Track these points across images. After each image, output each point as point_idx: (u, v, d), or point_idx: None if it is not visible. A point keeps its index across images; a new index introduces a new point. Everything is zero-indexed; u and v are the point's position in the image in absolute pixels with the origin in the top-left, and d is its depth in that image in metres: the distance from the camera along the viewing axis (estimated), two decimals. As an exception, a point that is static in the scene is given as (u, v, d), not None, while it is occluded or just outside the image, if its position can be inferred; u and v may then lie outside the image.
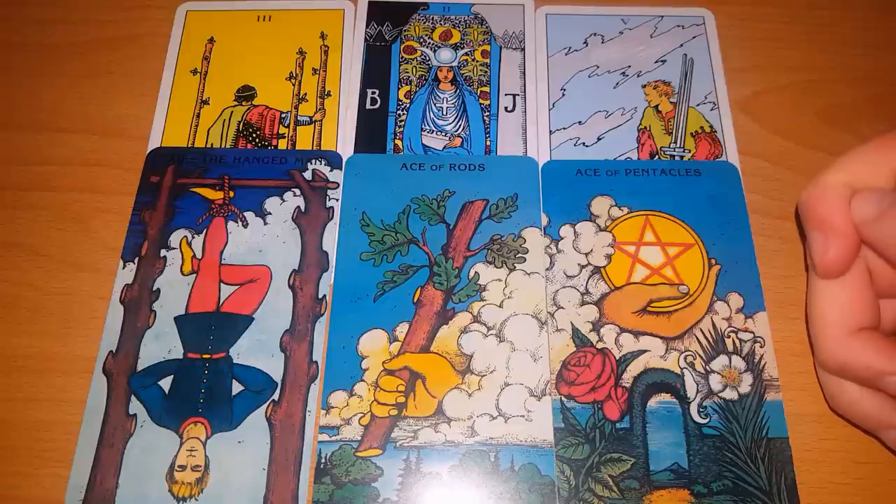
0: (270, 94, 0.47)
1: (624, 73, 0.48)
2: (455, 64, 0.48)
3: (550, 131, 0.45)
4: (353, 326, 0.39)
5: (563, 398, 0.37)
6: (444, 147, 0.45)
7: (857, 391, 0.34)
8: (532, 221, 0.42)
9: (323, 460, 0.36)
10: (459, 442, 0.37)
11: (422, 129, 0.46)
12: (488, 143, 0.45)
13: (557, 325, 0.39)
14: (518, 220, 0.42)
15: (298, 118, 0.46)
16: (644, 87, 0.47)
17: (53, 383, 0.38)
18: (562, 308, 0.40)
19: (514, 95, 0.47)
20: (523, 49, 0.48)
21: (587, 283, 0.40)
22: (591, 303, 0.40)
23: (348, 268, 0.41)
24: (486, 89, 0.47)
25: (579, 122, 0.46)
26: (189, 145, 0.45)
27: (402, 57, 0.48)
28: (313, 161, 0.44)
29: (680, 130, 0.45)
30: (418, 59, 0.48)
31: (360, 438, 0.37)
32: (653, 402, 0.37)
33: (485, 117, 0.46)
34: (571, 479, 0.36)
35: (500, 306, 0.40)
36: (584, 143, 0.45)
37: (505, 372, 0.38)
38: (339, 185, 0.43)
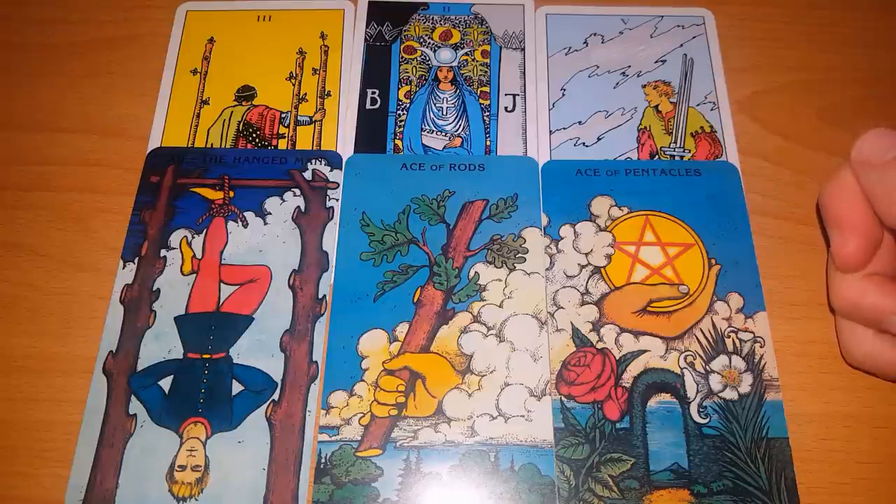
0: (270, 94, 0.47)
1: (624, 73, 0.48)
2: (455, 64, 0.48)
3: (550, 131, 0.45)
4: (353, 326, 0.39)
5: (562, 398, 0.37)
6: (444, 147, 0.45)
7: (870, 342, 0.36)
8: (532, 221, 0.42)
9: (323, 460, 0.36)
10: (459, 442, 0.37)
11: (422, 129, 0.46)
12: (488, 143, 0.45)
13: (557, 325, 0.39)
14: (518, 220, 0.42)
15: (298, 118, 0.46)
16: (644, 87, 0.47)
17: (53, 383, 0.38)
18: (562, 308, 0.40)
19: (514, 95, 0.47)
20: (523, 49, 0.48)
21: (587, 283, 0.40)
22: (591, 303, 0.40)
23: (348, 268, 0.41)
24: (486, 89, 0.47)
25: (579, 122, 0.46)
26: (189, 145, 0.45)
27: (402, 57, 0.48)
28: (313, 161, 0.44)
29: (680, 130, 0.45)
30: (418, 59, 0.48)
31: (360, 438, 0.37)
32: (653, 402, 0.37)
33: (485, 117, 0.46)
34: (571, 479, 0.36)
35: (500, 306, 0.40)
36: (584, 143, 0.45)
37: (505, 372, 0.38)
38: (339, 185, 0.43)
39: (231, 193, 0.43)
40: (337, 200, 0.43)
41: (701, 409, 0.37)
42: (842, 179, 0.35)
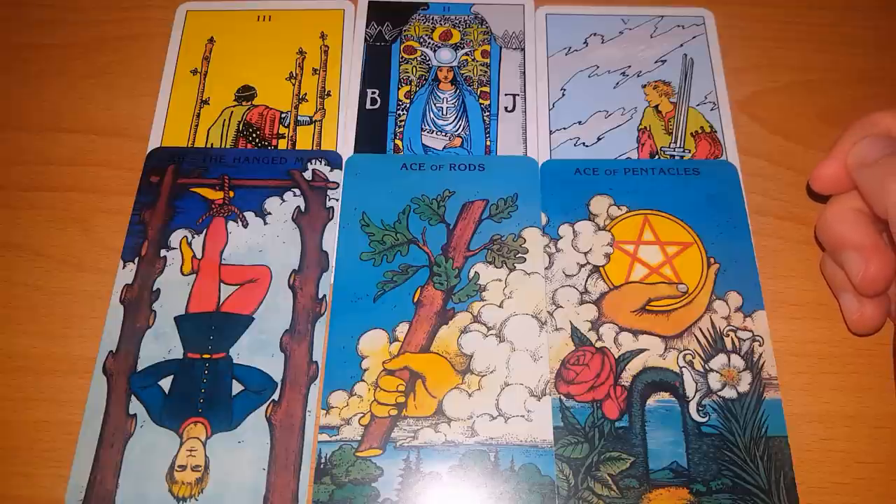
0: (270, 94, 0.47)
1: (624, 73, 0.48)
2: (455, 64, 0.48)
3: (550, 131, 0.45)
4: (353, 326, 0.39)
5: (562, 397, 0.37)
6: (444, 147, 0.45)
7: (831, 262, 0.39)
8: (532, 221, 0.42)
9: (323, 460, 0.36)
10: (459, 442, 0.37)
11: (422, 129, 0.46)
12: (488, 143, 0.45)
13: (556, 324, 0.39)
14: (518, 219, 0.42)
15: (298, 118, 0.46)
16: (644, 87, 0.47)
17: (53, 383, 0.38)
18: (561, 307, 0.40)
19: (514, 95, 0.47)
20: (523, 49, 0.48)
21: (586, 282, 0.40)
22: (589, 302, 0.40)
23: (348, 268, 0.41)
24: (486, 89, 0.47)
25: (579, 122, 0.46)
26: (189, 145, 0.45)
27: (402, 57, 0.48)
28: (313, 161, 0.44)
29: (680, 130, 0.45)
30: (418, 59, 0.48)
31: (360, 438, 0.37)
32: (652, 401, 0.37)
33: (485, 117, 0.46)
34: (571, 477, 0.36)
35: (500, 306, 0.40)
36: (584, 143, 0.45)
37: (505, 372, 0.38)
38: (339, 185, 0.43)
39: (231, 193, 0.43)
40: (337, 200, 0.43)
41: (700, 408, 0.37)
42: (835, 206, 0.37)
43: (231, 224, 0.42)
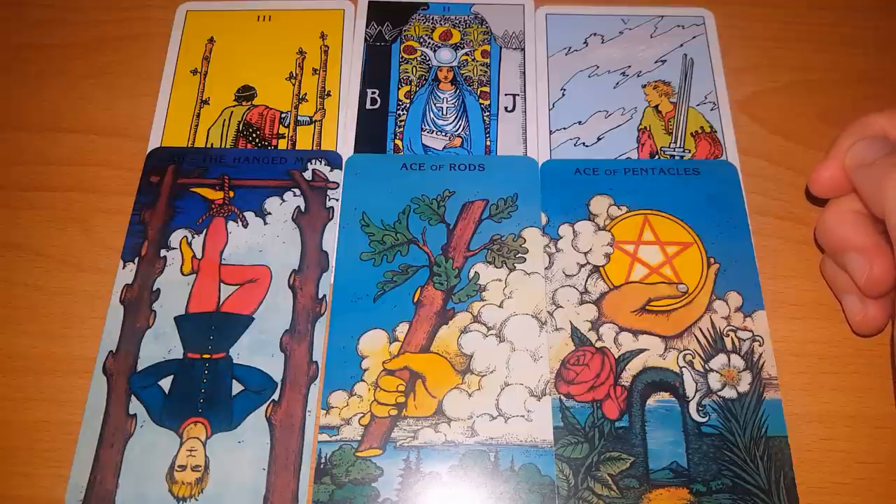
0: (270, 94, 0.47)
1: (624, 73, 0.48)
2: (455, 64, 0.48)
3: (550, 131, 0.45)
4: (353, 326, 0.39)
5: (562, 397, 0.37)
6: (444, 147, 0.45)
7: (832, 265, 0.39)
8: (532, 221, 0.42)
9: (323, 460, 0.36)
10: (459, 442, 0.37)
11: (422, 129, 0.46)
12: (488, 143, 0.45)
13: (556, 325, 0.39)
14: (518, 219, 0.42)
15: (298, 118, 0.46)
16: (644, 87, 0.47)
17: (53, 383, 0.38)
18: (561, 307, 0.40)
19: (514, 95, 0.47)
20: (523, 49, 0.48)
21: (586, 282, 0.40)
22: (589, 302, 0.40)
23: (348, 268, 0.41)
24: (486, 89, 0.47)
25: (579, 122, 0.46)
26: (189, 145, 0.45)
27: (402, 57, 0.48)
28: (313, 161, 0.44)
29: (680, 130, 0.45)
30: (418, 59, 0.48)
31: (360, 438, 0.37)
32: (652, 401, 0.37)
33: (485, 117, 0.46)
34: (571, 477, 0.36)
35: (500, 306, 0.40)
36: (584, 143, 0.45)
37: (505, 372, 0.38)
38: (339, 185, 0.43)
39: (231, 193, 0.43)
40: (337, 200, 0.43)
41: (700, 408, 0.37)
42: (834, 208, 0.37)
43: (231, 224, 0.42)
